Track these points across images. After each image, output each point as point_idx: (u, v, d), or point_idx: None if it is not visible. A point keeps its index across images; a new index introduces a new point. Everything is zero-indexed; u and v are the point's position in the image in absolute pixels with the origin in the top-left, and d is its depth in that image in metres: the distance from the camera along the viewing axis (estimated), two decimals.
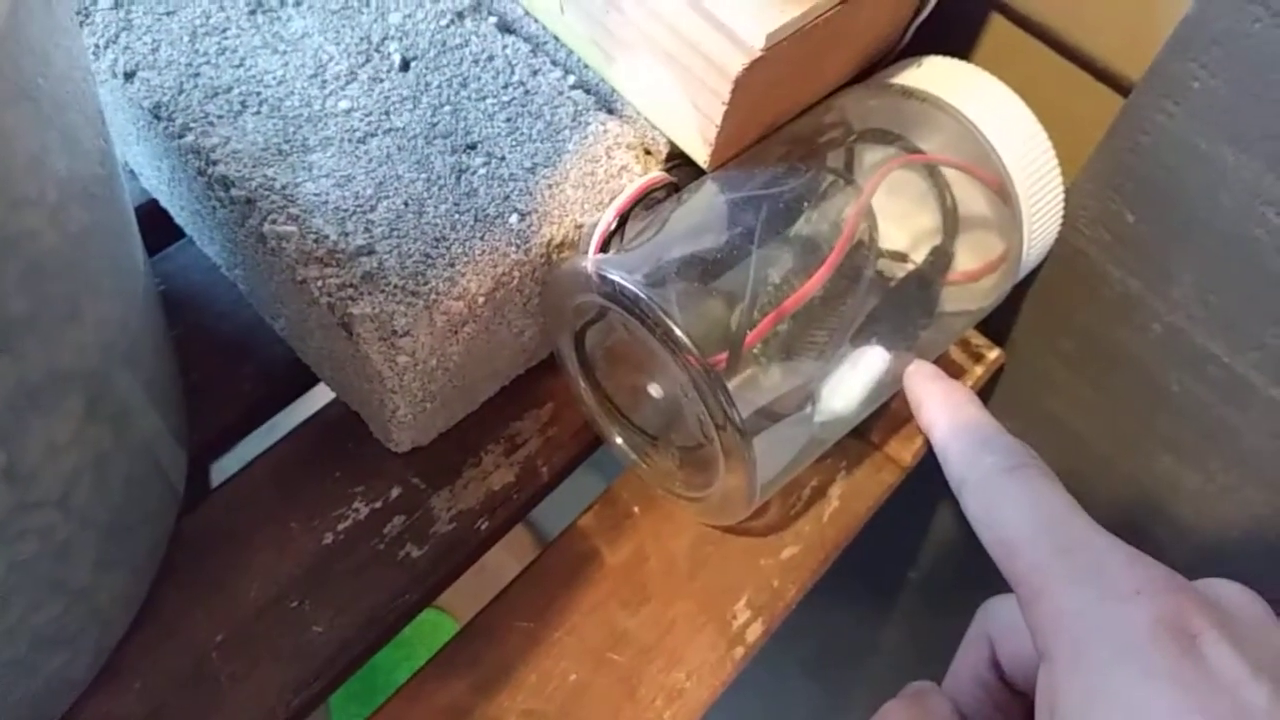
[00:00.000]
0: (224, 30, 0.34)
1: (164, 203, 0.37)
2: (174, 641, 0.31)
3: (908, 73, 0.38)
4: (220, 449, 0.36)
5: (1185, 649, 0.19)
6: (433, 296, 0.30)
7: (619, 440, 0.37)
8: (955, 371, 0.42)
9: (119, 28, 0.34)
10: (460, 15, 0.36)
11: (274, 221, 0.31)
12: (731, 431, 0.31)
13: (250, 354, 0.37)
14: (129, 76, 0.33)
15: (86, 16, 0.34)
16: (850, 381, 0.36)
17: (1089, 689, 0.19)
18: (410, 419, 0.33)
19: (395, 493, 0.35)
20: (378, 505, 0.35)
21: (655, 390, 0.35)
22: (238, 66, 0.33)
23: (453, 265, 0.31)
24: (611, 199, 0.33)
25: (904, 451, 0.40)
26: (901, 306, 0.37)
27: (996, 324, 0.43)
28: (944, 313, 0.39)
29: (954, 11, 0.38)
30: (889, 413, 0.40)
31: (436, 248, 0.31)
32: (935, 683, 0.27)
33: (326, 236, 0.31)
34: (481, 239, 0.32)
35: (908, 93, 0.37)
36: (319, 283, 0.30)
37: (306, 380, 0.36)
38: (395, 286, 0.30)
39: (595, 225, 0.32)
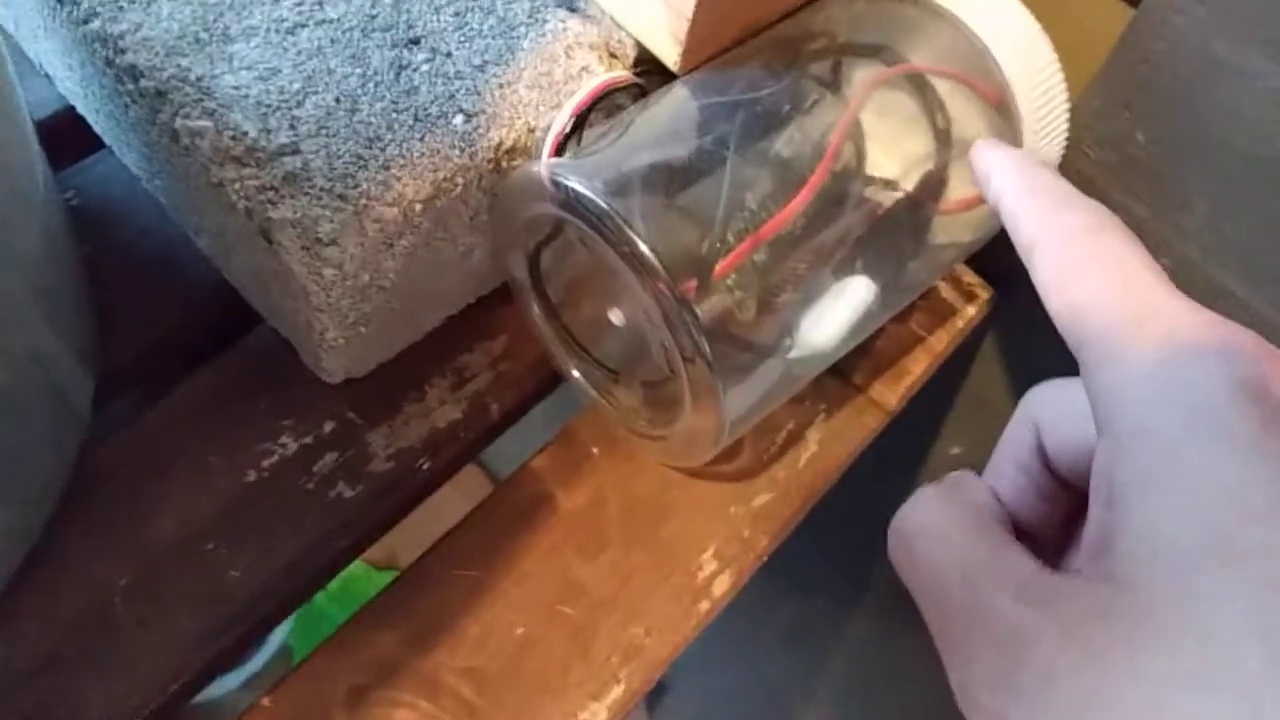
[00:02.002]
0: None
1: (80, 107, 0.34)
2: (72, 583, 0.28)
3: None
4: (139, 375, 0.33)
5: (1270, 417, 0.16)
6: (363, 201, 0.27)
7: (577, 375, 0.34)
8: (945, 311, 0.39)
9: None
10: None
11: (187, 116, 0.27)
12: (700, 364, 0.28)
13: (172, 274, 0.33)
14: None
15: None
16: (832, 314, 0.33)
17: (1154, 459, 0.17)
18: (342, 344, 0.30)
19: (328, 427, 0.32)
20: (308, 440, 0.32)
21: (616, 318, 0.31)
22: None
23: (387, 168, 0.28)
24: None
25: (889, 395, 0.37)
26: (888, 236, 0.34)
27: (990, 259, 0.40)
28: (934, 244, 0.36)
29: None
30: (874, 352, 0.37)
31: (370, 149, 0.28)
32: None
33: (245, 133, 0.27)
34: (421, 140, 0.28)
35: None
36: (236, 185, 0.27)
37: (233, 304, 0.33)
38: (321, 189, 0.27)
39: (549, 131, 0.29)
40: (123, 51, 0.28)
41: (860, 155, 0.33)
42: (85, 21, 0.28)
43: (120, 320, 0.32)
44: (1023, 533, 0.23)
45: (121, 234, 0.34)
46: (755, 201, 0.31)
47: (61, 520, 0.29)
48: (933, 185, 0.34)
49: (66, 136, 0.34)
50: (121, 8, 0.29)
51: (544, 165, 0.27)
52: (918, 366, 0.38)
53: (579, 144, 0.29)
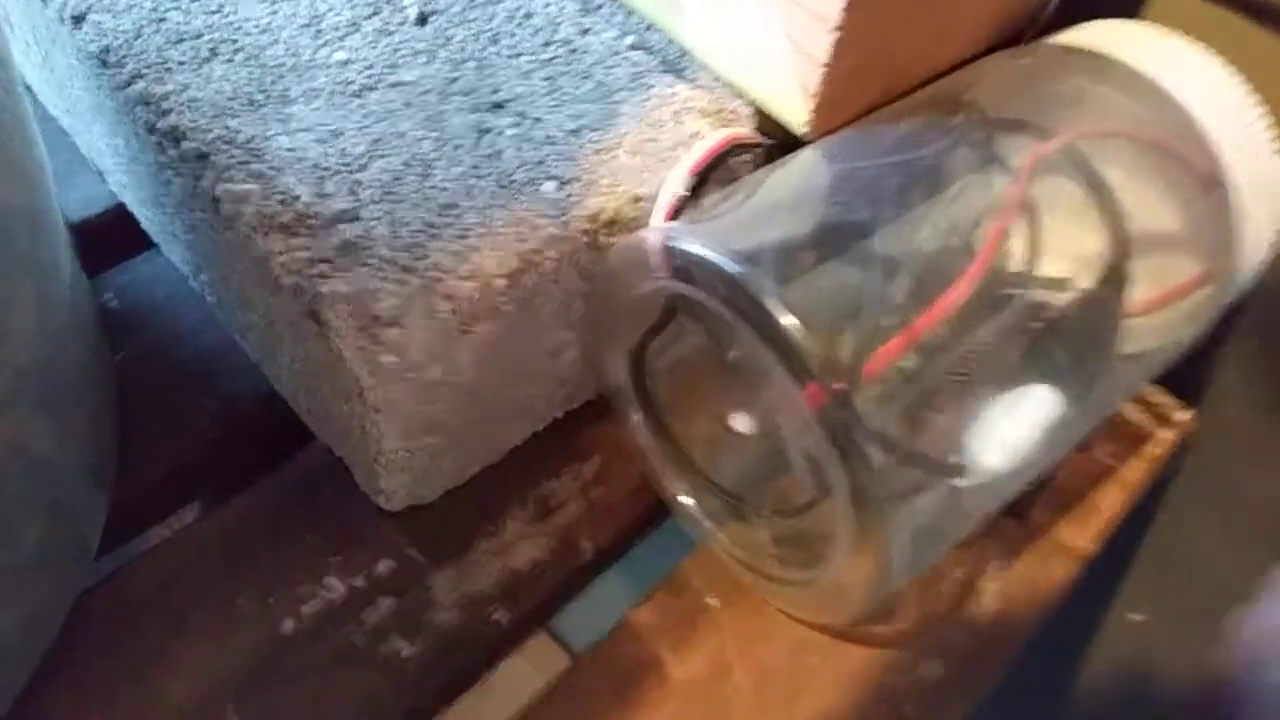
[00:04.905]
0: None
1: (128, 199, 0.30)
2: None
3: (1066, 35, 0.29)
4: (162, 501, 0.27)
5: None
6: (433, 274, 0.22)
7: (689, 503, 0.27)
8: (1134, 436, 0.32)
9: None
10: None
11: (230, 180, 0.23)
12: (864, 481, 0.21)
13: (211, 384, 0.28)
14: (78, 21, 0.26)
15: None
16: (1008, 430, 0.26)
17: None
18: (404, 457, 0.24)
19: (383, 566, 0.26)
20: (358, 582, 0.26)
21: (742, 425, 0.25)
22: (214, 13, 0.27)
23: (464, 237, 0.23)
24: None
25: (1078, 536, 0.29)
26: (1065, 344, 0.28)
27: (1185, 376, 0.33)
28: (1123, 353, 0.29)
29: None
30: (1052, 485, 0.30)
31: (443, 215, 0.23)
32: None
33: (296, 197, 0.23)
34: (505, 207, 0.23)
35: (1072, 52, 0.28)
36: (282, 258, 0.22)
37: (280, 419, 0.28)
38: (383, 260, 0.22)
39: (661, 193, 0.24)
40: (166, 113, 0.24)
41: (1031, 241, 0.27)
42: (129, 84, 0.25)
43: (147, 435, 0.27)
44: None
45: (160, 339, 0.29)
46: (904, 291, 0.25)
47: (48, 679, 0.23)
48: (1114, 282, 0.28)
49: (113, 236, 0.31)
50: (169, 69, 0.25)
51: (659, 230, 0.22)
52: (1109, 502, 0.30)
53: (699, 209, 0.24)
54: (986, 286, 0.25)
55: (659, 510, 0.28)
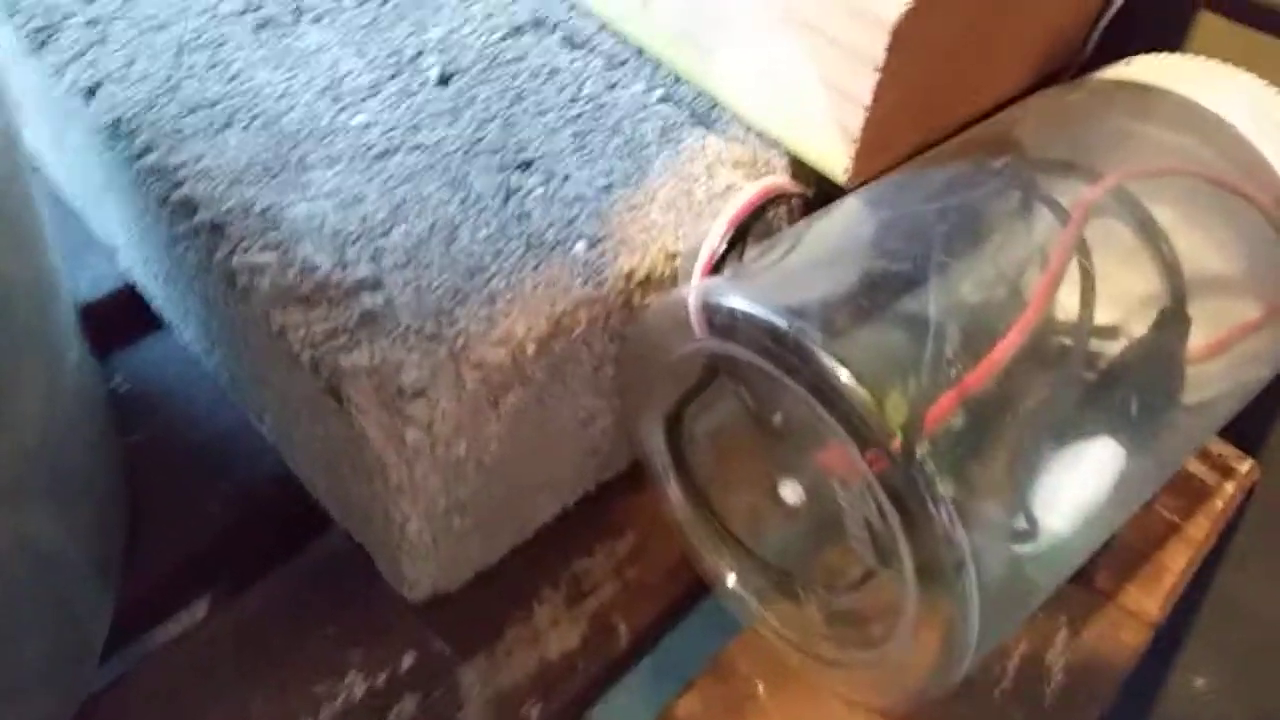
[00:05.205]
0: (219, 44, 0.27)
1: (139, 276, 0.29)
2: None
3: (1112, 70, 0.28)
4: (175, 592, 0.26)
5: None
6: (460, 342, 0.21)
7: (733, 581, 0.25)
8: (1197, 491, 0.30)
9: (90, 42, 0.26)
10: (518, 30, 0.28)
11: (246, 250, 0.22)
12: (932, 548, 0.20)
13: (225, 470, 0.27)
14: (90, 93, 0.25)
15: (51, 35, 0.27)
16: (1073, 491, 0.25)
17: None
18: (429, 542, 0.23)
19: (408, 660, 0.24)
20: (381, 678, 0.24)
21: (791, 494, 0.23)
22: (230, 80, 0.26)
23: (493, 302, 0.21)
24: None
25: (1147, 601, 0.27)
26: (1127, 394, 0.26)
27: (1243, 422, 0.31)
28: (1188, 403, 0.28)
29: (1148, 14, 0.29)
30: (1119, 546, 0.28)
31: (471, 280, 0.22)
32: None
33: (316, 267, 0.22)
34: (535, 269, 0.22)
35: (1121, 87, 0.27)
36: (300, 331, 0.21)
37: (297, 506, 0.26)
38: (407, 329, 0.21)
39: (698, 249, 0.23)
40: (179, 185, 0.23)
41: (1084, 287, 0.26)
42: (141, 155, 0.24)
43: (157, 523, 0.26)
44: None
45: (171, 422, 0.28)
46: (955, 343, 0.24)
47: None
48: (1173, 326, 0.27)
49: (123, 317, 0.30)
50: (183, 139, 0.24)
51: (698, 287, 0.21)
52: (1177, 563, 0.29)
53: (739, 263, 0.23)
54: (1039, 336, 0.24)
55: (700, 589, 0.26)
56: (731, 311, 0.20)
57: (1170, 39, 0.30)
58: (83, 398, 0.23)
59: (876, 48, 0.22)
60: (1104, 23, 0.29)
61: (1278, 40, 0.28)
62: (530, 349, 0.21)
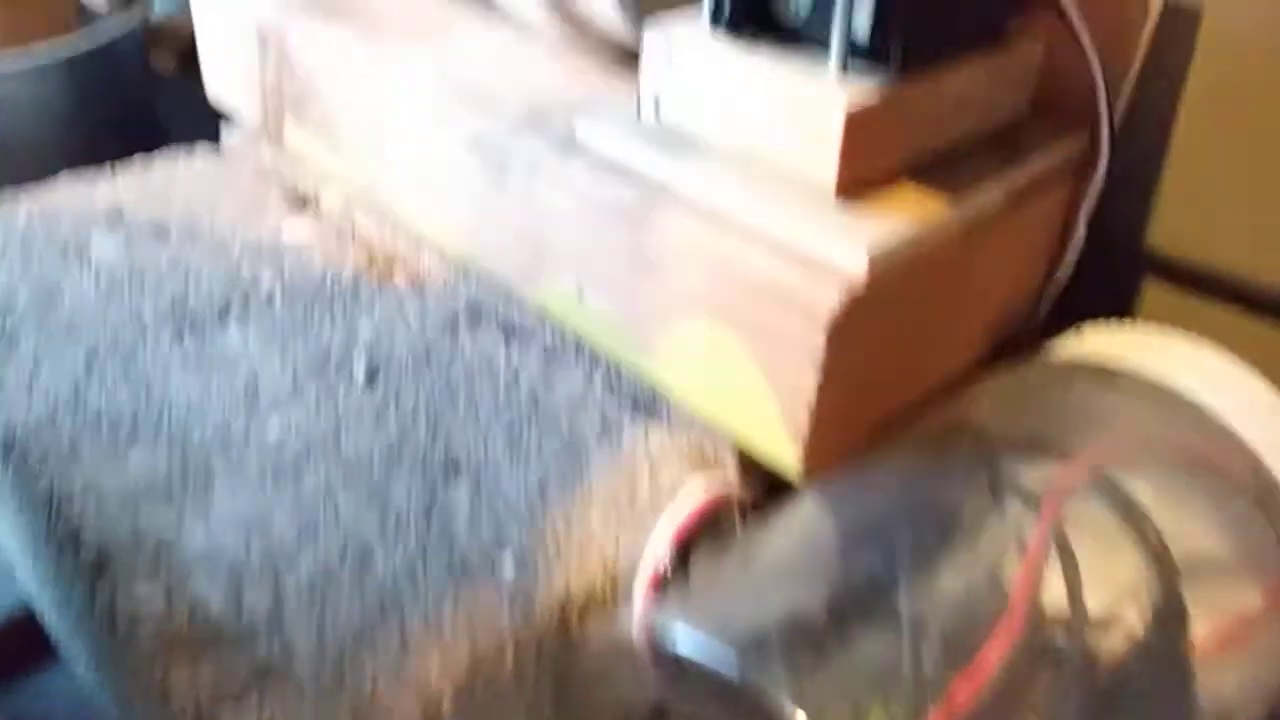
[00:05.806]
0: (134, 351, 0.25)
1: (36, 605, 0.26)
2: None
3: (1066, 345, 0.27)
4: None
5: None
6: (367, 689, 0.18)
7: None
8: None
9: None
10: (453, 325, 0.27)
11: (130, 585, 0.20)
12: None
13: None
14: None
15: None
16: None
17: None
18: None
19: None
20: None
21: None
22: (140, 390, 0.24)
23: (405, 643, 0.19)
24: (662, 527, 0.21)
25: None
26: (1134, 700, 0.24)
27: None
28: (1204, 705, 0.25)
29: (1097, 282, 0.29)
30: None
31: (383, 618, 0.19)
32: None
33: (207, 607, 0.19)
34: (456, 599, 0.20)
35: (1076, 365, 0.26)
36: (187, 689, 0.18)
37: None
38: (304, 681, 0.18)
39: (641, 565, 0.20)
40: (67, 515, 0.21)
41: (1073, 579, 0.24)
42: (33, 480, 0.22)
43: None
44: None
45: None
46: (936, 653, 0.21)
47: None
48: (1170, 617, 0.25)
49: (13, 647, 0.27)
50: (79, 460, 0.22)
51: (640, 618, 0.18)
52: None
53: (685, 582, 0.20)
54: (1028, 639, 0.22)
55: None
56: (683, 658, 0.17)
57: (1119, 303, 0.29)
58: None
59: (815, 342, 0.20)
60: (1054, 292, 0.28)
61: (1222, 305, 0.28)
62: (446, 696, 0.19)
